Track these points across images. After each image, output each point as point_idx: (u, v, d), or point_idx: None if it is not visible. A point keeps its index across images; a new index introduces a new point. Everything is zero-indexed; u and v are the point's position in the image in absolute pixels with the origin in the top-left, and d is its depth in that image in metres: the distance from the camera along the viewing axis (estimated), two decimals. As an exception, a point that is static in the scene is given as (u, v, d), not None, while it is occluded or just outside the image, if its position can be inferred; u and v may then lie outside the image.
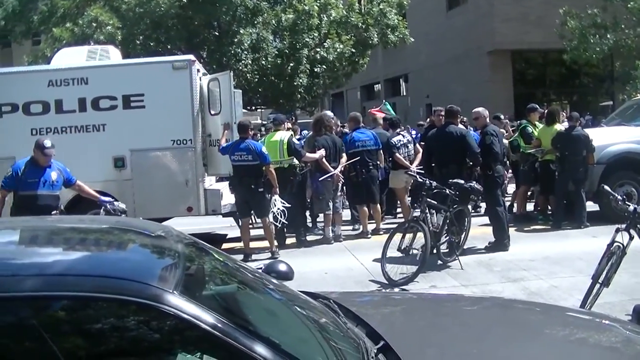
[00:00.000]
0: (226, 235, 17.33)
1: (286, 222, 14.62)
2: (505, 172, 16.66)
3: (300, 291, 5.03)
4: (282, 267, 5.40)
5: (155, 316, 3.36)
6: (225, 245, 16.05)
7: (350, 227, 17.10)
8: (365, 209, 16.31)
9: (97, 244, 4.55)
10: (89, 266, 3.85)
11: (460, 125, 15.03)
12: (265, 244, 14.90)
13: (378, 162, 16.15)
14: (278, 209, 14.26)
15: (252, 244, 14.76)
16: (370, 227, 16.22)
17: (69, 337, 3.34)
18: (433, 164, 14.23)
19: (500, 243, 14.01)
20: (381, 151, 16.25)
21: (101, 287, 3.40)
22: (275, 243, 14.60)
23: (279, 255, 14.05)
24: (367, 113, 24.05)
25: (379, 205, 16.54)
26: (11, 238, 4.56)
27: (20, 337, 3.32)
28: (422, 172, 14.38)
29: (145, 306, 3.34)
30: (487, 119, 14.99)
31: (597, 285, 8.95)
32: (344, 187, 16.44)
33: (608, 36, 33.54)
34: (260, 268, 5.36)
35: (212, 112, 15.52)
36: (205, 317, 3.38)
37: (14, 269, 3.72)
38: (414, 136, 18.05)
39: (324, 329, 4.21)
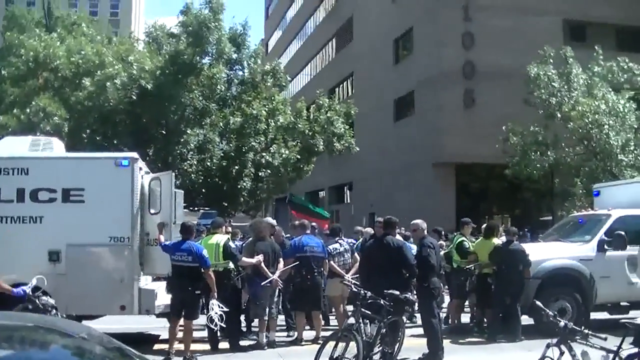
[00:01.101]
0: (159, 335, 17.05)
1: (224, 326, 14.44)
2: (441, 284, 16.64)
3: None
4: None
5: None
6: (157, 346, 15.78)
7: (285, 334, 16.94)
8: (303, 316, 16.23)
9: (17, 344, 4.44)
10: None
11: (399, 237, 15.08)
12: (199, 346, 14.74)
13: (322, 270, 16.06)
14: (216, 313, 14.09)
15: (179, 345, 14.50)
16: (309, 334, 16.08)
17: None
18: (369, 274, 14.23)
19: (434, 354, 13.94)
20: (326, 260, 16.18)
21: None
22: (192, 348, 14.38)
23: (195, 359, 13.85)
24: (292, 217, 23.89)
25: (320, 314, 16.41)
26: None
27: None
28: (356, 282, 14.37)
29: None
30: (425, 231, 15.10)
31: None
32: (282, 293, 16.34)
33: (549, 153, 34.30)
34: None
35: (152, 211, 15.41)
36: None
37: None
38: (352, 244, 18.02)
39: None
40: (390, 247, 13.92)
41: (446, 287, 19.10)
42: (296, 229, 17.22)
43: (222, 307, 14.15)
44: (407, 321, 15.02)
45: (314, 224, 18.22)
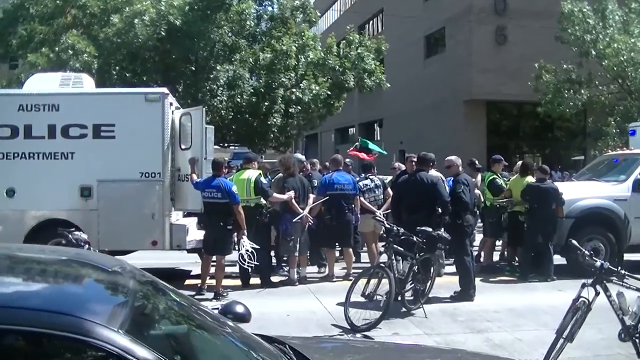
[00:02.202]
0: (190, 271, 17.10)
1: (253, 265, 14.41)
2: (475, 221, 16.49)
3: (258, 334, 4.89)
4: (239, 309, 5.23)
5: (97, 355, 3.22)
6: (188, 282, 15.84)
7: (316, 270, 16.93)
8: (333, 253, 16.21)
9: (50, 277, 4.39)
10: (35, 299, 3.68)
11: (434, 172, 14.93)
12: (230, 282, 14.81)
13: (354, 206, 15.96)
14: (246, 250, 14.07)
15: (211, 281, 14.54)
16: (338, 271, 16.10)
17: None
18: (401, 210, 14.14)
19: (465, 293, 13.90)
20: (357, 197, 16.09)
21: (42, 322, 3.25)
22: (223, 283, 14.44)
23: (226, 295, 13.88)
24: (348, 153, 23.87)
25: (351, 250, 16.37)
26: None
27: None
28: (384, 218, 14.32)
29: (87, 344, 3.19)
30: (460, 168, 14.96)
31: (561, 340, 8.84)
32: (312, 229, 16.29)
33: (582, 92, 33.84)
34: (217, 309, 5.20)
35: (183, 147, 15.34)
36: (150, 359, 3.23)
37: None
38: (383, 180, 17.80)
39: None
40: (424, 183, 13.80)
41: (479, 224, 18.97)
42: (331, 165, 17.11)
43: (252, 245, 14.13)
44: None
45: (347, 160, 18.07)
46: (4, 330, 3.25)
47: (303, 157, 18.83)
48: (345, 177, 16.02)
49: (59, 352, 3.27)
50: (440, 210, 13.80)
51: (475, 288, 14.08)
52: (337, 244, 16.56)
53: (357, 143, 23.53)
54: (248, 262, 14.15)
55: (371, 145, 23.75)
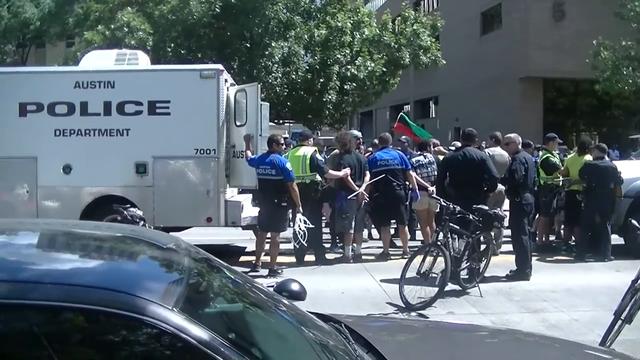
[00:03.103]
0: (245, 247, 17.16)
1: (305, 245, 14.42)
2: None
3: (312, 312, 4.87)
4: (294, 287, 5.20)
5: (151, 333, 3.20)
6: (243, 258, 15.89)
7: (374, 246, 16.92)
8: (387, 231, 16.15)
9: (105, 254, 4.39)
10: (89, 276, 3.67)
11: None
12: (285, 259, 14.83)
13: (407, 183, 15.82)
14: (301, 229, 14.07)
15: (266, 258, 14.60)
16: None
17: (59, 349, 3.16)
18: (449, 186, 14.09)
19: (522, 272, 13.78)
20: (410, 172, 15.93)
21: (95, 299, 3.24)
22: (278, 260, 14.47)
23: (281, 272, 13.89)
24: (393, 130, 23.82)
25: (406, 227, 16.25)
26: (22, 241, 4.49)
27: (7, 346, 3.16)
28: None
29: (140, 322, 3.18)
30: (519, 146, 14.81)
31: (619, 322, 8.71)
32: (367, 208, 16.25)
33: (641, 69, 33.31)
34: (272, 286, 5.18)
35: (238, 123, 15.36)
36: (204, 337, 3.21)
37: (9, 273, 3.56)
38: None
39: (332, 355, 4.02)
40: (474, 159, 13.75)
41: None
42: (379, 143, 17.03)
43: (307, 223, 14.12)
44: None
45: (403, 137, 17.98)
46: (57, 307, 3.24)
47: (360, 134, 18.74)
48: (390, 153, 15.88)
49: (113, 330, 3.25)
50: (485, 187, 13.77)
51: (531, 267, 13.95)
52: (391, 221, 16.46)
53: (399, 118, 23.47)
54: (300, 241, 14.17)
55: (414, 127, 23.61)
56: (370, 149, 19.00)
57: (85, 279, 3.56)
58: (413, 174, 15.92)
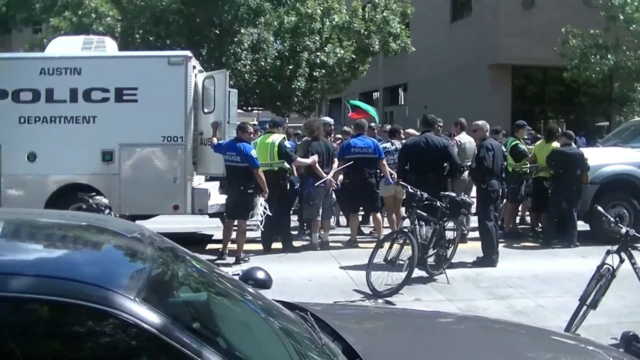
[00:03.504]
0: (212, 235, 17.13)
1: (263, 229, 14.46)
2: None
3: (278, 301, 4.86)
4: (259, 275, 5.19)
5: (113, 324, 3.17)
6: (210, 246, 15.86)
7: (341, 233, 16.95)
8: (356, 218, 16.17)
9: (69, 243, 4.35)
10: (49, 267, 3.63)
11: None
12: (252, 246, 14.83)
13: (378, 171, 15.78)
14: (258, 213, 14.09)
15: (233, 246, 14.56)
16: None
17: (21, 341, 3.13)
18: (409, 172, 14.15)
19: (488, 258, 13.89)
20: (383, 161, 15.89)
21: (57, 290, 3.20)
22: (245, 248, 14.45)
23: (247, 260, 13.89)
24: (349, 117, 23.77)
25: (379, 214, 16.18)
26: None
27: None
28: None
29: (103, 312, 3.15)
30: (487, 132, 14.89)
31: (585, 307, 8.82)
32: (336, 195, 16.26)
33: (609, 57, 33.49)
34: (238, 275, 5.16)
35: (206, 111, 15.30)
36: (167, 327, 3.19)
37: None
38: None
39: (297, 343, 4.02)
40: (436, 145, 13.91)
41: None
42: (354, 130, 17.04)
43: (266, 210, 14.13)
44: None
45: (372, 124, 17.98)
46: (17, 298, 3.21)
47: (332, 121, 18.76)
48: (364, 141, 15.79)
49: (75, 321, 3.22)
50: (445, 172, 13.98)
51: (498, 254, 14.08)
52: (360, 208, 16.46)
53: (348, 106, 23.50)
54: (259, 226, 14.22)
55: (363, 105, 23.59)
56: (340, 136, 18.95)
57: (47, 270, 3.52)
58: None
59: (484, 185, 14.14)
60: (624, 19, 32.36)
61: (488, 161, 14.04)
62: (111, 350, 3.25)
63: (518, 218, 18.55)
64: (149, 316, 3.19)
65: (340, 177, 15.61)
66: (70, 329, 3.24)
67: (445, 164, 14.06)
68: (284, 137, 15.54)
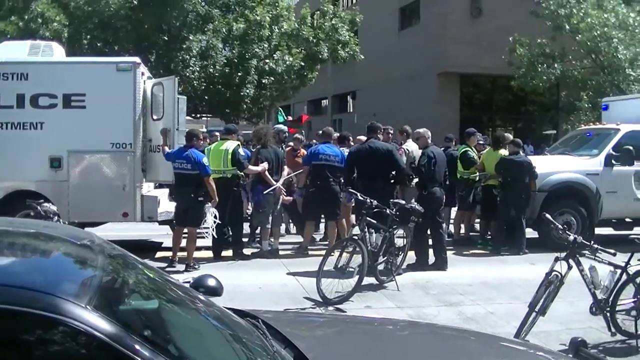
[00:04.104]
0: (162, 243, 17.02)
1: (214, 236, 14.42)
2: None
3: (230, 308, 4.83)
4: (210, 282, 5.15)
5: (64, 332, 3.12)
6: (160, 254, 15.76)
7: (291, 241, 16.95)
8: (313, 225, 16.20)
9: (18, 251, 4.26)
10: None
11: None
12: (202, 254, 14.77)
13: (340, 179, 15.66)
14: (209, 222, 14.03)
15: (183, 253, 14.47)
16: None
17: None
18: (357, 179, 14.24)
19: (420, 263, 14.28)
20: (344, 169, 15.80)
21: (7, 297, 3.13)
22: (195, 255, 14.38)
23: (197, 267, 13.83)
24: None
25: (335, 223, 16.02)
26: None
27: None
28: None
29: (53, 320, 3.09)
30: (428, 140, 14.99)
31: (534, 314, 8.89)
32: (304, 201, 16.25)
33: (555, 66, 33.94)
34: (188, 282, 5.12)
35: (154, 117, 15.22)
36: (119, 335, 3.15)
37: None
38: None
39: (249, 350, 4.00)
40: (380, 151, 14.02)
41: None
42: (320, 137, 17.06)
43: (216, 219, 14.09)
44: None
45: (345, 133, 17.97)
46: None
47: (285, 128, 18.73)
48: (332, 149, 15.82)
49: (25, 329, 3.16)
50: (392, 179, 14.10)
51: (429, 258, 14.38)
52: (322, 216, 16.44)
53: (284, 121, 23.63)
54: (209, 233, 14.18)
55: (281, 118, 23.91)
56: (292, 143, 18.89)
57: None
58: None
59: (425, 192, 14.24)
60: (569, 29, 32.77)
61: (428, 168, 14.17)
62: (62, 358, 3.20)
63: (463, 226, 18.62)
64: (100, 324, 3.14)
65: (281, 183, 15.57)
66: (20, 337, 3.17)
67: (393, 171, 14.14)
68: (238, 144, 15.50)
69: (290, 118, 23.60)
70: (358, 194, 12.71)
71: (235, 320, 4.53)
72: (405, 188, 15.41)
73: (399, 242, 13.20)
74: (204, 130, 28.17)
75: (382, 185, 13.84)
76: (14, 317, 3.13)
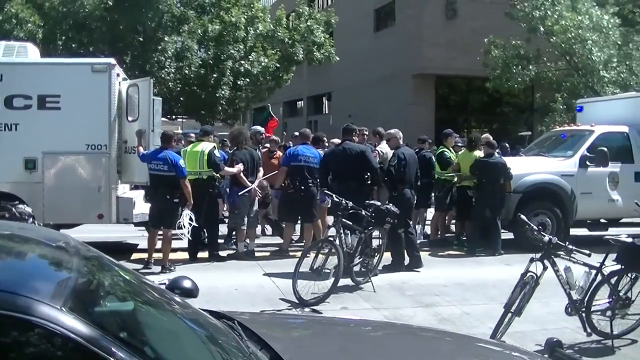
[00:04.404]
0: (137, 245, 16.96)
1: (190, 239, 14.38)
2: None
3: (205, 310, 4.82)
4: (186, 284, 5.13)
5: (39, 334, 3.09)
6: (135, 255, 15.70)
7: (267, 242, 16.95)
8: (292, 227, 16.21)
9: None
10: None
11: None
12: (178, 255, 14.75)
13: (317, 181, 15.61)
14: (183, 225, 13.99)
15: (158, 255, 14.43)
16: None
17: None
18: (332, 181, 14.27)
19: (396, 265, 14.35)
20: None
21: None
22: (171, 257, 14.36)
23: (173, 269, 13.83)
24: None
25: (311, 225, 15.98)
26: None
27: None
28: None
29: (28, 323, 3.07)
30: (400, 141, 15.06)
31: (509, 315, 8.93)
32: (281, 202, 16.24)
33: (530, 67, 34.08)
34: (164, 284, 5.10)
35: (130, 119, 15.18)
36: (94, 337, 3.13)
37: None
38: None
39: (225, 352, 3.99)
40: (353, 152, 14.12)
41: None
42: (296, 137, 17.05)
43: (192, 222, 14.05)
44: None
45: (319, 134, 17.87)
46: None
47: (262, 129, 18.71)
48: (311, 151, 15.80)
49: (-1, 331, 3.14)
50: (369, 180, 14.09)
51: (413, 260, 14.45)
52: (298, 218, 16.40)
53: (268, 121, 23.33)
54: (186, 235, 14.15)
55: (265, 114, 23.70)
56: (268, 145, 18.83)
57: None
58: None
59: (395, 193, 14.29)
60: (544, 30, 32.89)
61: (398, 169, 14.22)
62: (36, 360, 3.18)
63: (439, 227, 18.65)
64: (76, 325, 3.12)
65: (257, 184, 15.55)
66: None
67: (367, 173, 14.16)
68: (214, 146, 15.49)
69: (275, 120, 23.25)
70: (334, 195, 12.72)
71: (211, 322, 4.52)
72: (380, 189, 15.40)
73: (375, 243, 13.23)
74: (179, 132, 28.10)
75: (356, 186, 13.86)
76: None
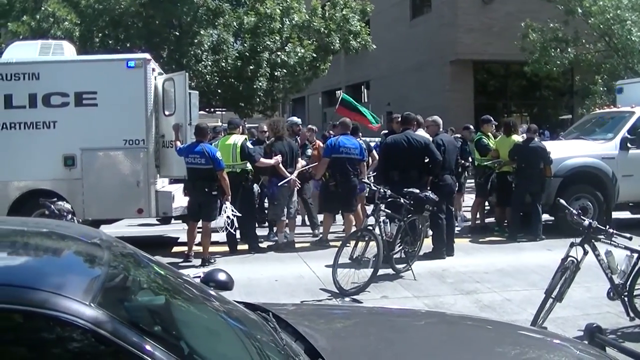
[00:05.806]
0: (178, 238, 17.03)
1: (233, 232, 14.38)
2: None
3: (240, 302, 4.81)
4: (221, 277, 5.12)
5: (67, 330, 3.10)
6: (176, 249, 15.77)
7: (307, 233, 16.94)
8: (332, 218, 16.22)
9: (27, 250, 4.26)
10: (5, 275, 3.54)
11: (422, 133, 14.94)
12: (218, 248, 14.78)
13: (359, 171, 15.58)
14: (227, 216, 13.99)
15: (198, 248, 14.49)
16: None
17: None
18: (392, 170, 14.11)
19: (437, 252, 14.26)
20: (364, 163, 15.86)
21: (12, 297, 3.12)
22: (211, 250, 14.41)
23: (213, 261, 13.88)
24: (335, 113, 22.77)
25: (352, 216, 15.89)
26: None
27: None
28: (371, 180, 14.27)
29: (55, 319, 3.07)
30: (439, 128, 15.01)
31: (550, 300, 8.86)
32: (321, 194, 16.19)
33: (569, 50, 33.66)
34: (199, 277, 5.10)
35: (166, 113, 15.23)
36: (123, 332, 3.12)
37: None
38: (367, 143, 17.46)
39: (259, 345, 3.97)
40: (416, 142, 13.87)
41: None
42: (336, 128, 16.97)
43: (234, 212, 14.07)
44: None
45: (357, 124, 17.68)
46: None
47: (299, 120, 18.67)
48: (352, 141, 15.61)
49: (29, 328, 3.14)
50: (430, 169, 13.95)
51: (450, 247, 14.47)
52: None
53: (339, 98, 22.39)
54: (227, 228, 14.13)
55: (361, 108, 22.50)
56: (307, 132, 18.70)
57: (2, 278, 3.44)
58: None
59: (436, 180, 14.19)
60: (582, 12, 32.50)
61: (441, 156, 14.14)
62: (66, 356, 3.19)
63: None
64: (105, 321, 3.12)
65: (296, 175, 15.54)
66: (24, 336, 3.18)
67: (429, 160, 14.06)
68: (245, 138, 15.49)
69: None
70: (372, 184, 12.68)
71: (245, 314, 4.52)
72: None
73: (415, 231, 13.16)
74: (219, 124, 28.17)
75: (417, 175, 13.74)
76: (18, 316, 3.12)
